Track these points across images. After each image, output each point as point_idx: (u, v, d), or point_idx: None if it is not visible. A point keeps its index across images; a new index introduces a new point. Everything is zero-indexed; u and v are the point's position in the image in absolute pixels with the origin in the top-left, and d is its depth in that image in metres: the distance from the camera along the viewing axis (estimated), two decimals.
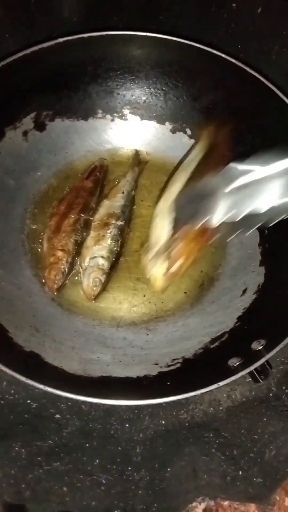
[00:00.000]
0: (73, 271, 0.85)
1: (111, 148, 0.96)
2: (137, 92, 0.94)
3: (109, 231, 0.87)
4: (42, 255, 0.86)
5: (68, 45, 0.84)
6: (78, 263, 0.86)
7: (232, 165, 0.66)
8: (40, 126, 0.91)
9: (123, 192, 0.91)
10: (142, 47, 0.88)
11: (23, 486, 0.59)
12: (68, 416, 0.71)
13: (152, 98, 0.95)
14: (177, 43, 0.86)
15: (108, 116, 0.95)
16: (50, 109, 0.91)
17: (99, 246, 0.85)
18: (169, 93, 0.93)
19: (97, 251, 0.85)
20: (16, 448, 0.63)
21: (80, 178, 0.92)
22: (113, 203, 0.90)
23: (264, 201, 0.61)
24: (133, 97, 0.94)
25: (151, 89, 0.94)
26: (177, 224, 0.75)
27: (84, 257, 0.85)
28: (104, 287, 0.84)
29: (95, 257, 0.85)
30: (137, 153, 0.96)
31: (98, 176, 0.93)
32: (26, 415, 0.70)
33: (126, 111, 0.96)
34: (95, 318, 0.82)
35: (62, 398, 0.71)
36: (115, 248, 0.86)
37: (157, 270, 0.78)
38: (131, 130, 0.97)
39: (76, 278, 0.85)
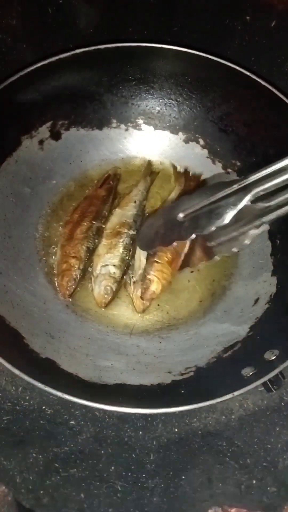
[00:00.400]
0: (85, 278, 0.86)
1: (124, 157, 0.98)
2: (151, 103, 0.95)
3: (121, 240, 0.88)
4: (55, 262, 0.87)
5: (85, 56, 0.85)
6: (90, 270, 0.87)
7: (183, 197, 0.78)
8: (55, 135, 0.92)
9: (135, 202, 0.93)
10: (157, 59, 0.89)
11: (41, 492, 0.60)
12: (82, 422, 0.72)
13: (166, 109, 0.96)
14: (191, 55, 0.87)
15: (123, 126, 0.97)
16: (65, 119, 0.92)
17: (111, 254, 0.87)
18: (182, 103, 0.94)
19: (109, 259, 0.86)
20: (34, 454, 0.64)
21: (94, 187, 0.94)
22: (125, 212, 0.92)
23: (210, 223, 0.70)
24: (147, 107, 0.96)
25: (165, 100, 0.95)
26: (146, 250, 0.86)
27: (96, 265, 0.86)
28: (115, 295, 0.85)
29: (106, 265, 0.86)
30: (149, 163, 0.97)
31: (111, 185, 0.94)
32: (41, 421, 0.71)
33: (140, 121, 0.97)
34: (108, 325, 0.83)
35: (76, 404, 0.73)
36: (127, 257, 0.87)
37: (136, 294, 0.84)
38: (145, 139, 0.98)
39: (90, 285, 0.86)
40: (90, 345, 0.79)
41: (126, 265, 0.87)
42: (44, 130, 0.91)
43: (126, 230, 0.89)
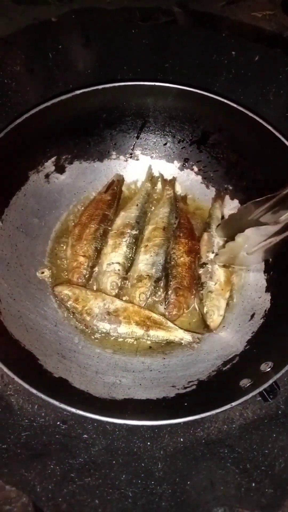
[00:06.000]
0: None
1: (125, 184, 1.05)
2: (147, 135, 1.03)
3: (124, 240, 0.96)
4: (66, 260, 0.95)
5: (84, 96, 0.92)
6: (96, 270, 0.95)
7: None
8: (60, 168, 1.00)
9: (137, 205, 1.01)
10: (150, 95, 0.96)
11: (60, 499, 0.65)
12: (94, 435, 0.78)
13: (161, 139, 1.03)
14: (181, 91, 0.94)
15: (122, 157, 1.04)
16: (69, 153, 1.00)
17: (116, 253, 0.95)
18: (176, 134, 1.01)
19: (114, 258, 0.94)
20: (51, 466, 0.70)
21: (100, 192, 1.02)
22: (128, 214, 1.00)
23: None
24: (144, 139, 1.03)
25: (160, 132, 1.02)
26: None
27: (102, 263, 0.94)
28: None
29: (112, 263, 0.94)
30: (150, 168, 1.05)
31: (116, 190, 1.02)
32: (57, 436, 0.77)
33: (138, 152, 1.05)
34: (115, 343, 0.89)
35: (89, 419, 0.78)
36: (130, 255, 0.96)
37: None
38: (143, 168, 1.05)
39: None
40: (99, 363, 0.85)
41: (130, 262, 0.95)
42: (49, 165, 0.98)
43: (129, 230, 0.97)
